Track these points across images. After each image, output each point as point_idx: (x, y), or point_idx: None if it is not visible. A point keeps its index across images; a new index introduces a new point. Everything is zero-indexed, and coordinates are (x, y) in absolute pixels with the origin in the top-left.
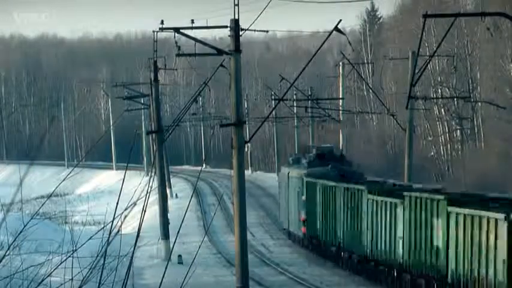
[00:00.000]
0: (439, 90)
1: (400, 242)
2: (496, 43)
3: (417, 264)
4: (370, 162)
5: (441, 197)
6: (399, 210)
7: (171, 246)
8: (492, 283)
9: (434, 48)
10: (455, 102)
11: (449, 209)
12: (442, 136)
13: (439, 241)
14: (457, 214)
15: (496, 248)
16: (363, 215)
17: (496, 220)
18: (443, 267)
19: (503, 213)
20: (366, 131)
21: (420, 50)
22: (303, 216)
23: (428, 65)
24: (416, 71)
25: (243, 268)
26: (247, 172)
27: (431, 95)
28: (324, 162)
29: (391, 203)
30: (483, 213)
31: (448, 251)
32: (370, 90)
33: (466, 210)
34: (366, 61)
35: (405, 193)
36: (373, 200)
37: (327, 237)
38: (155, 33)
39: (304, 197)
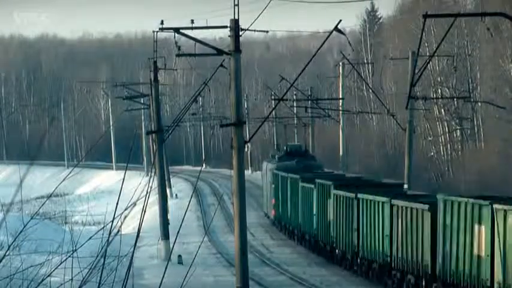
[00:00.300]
0: (439, 90)
1: (314, 218)
2: (496, 43)
3: (322, 234)
4: (370, 162)
5: (329, 182)
6: (314, 194)
7: (171, 246)
8: (355, 245)
9: (434, 48)
10: (455, 102)
11: (334, 191)
12: (442, 136)
13: (330, 217)
14: (337, 196)
15: (352, 219)
16: (299, 199)
17: (352, 199)
18: (333, 237)
19: (353, 193)
20: (366, 131)
21: (420, 50)
22: (273, 201)
23: (428, 65)
24: (416, 71)
25: (243, 268)
26: (247, 172)
27: (431, 95)
28: (291, 158)
29: (309, 188)
30: (348, 194)
31: (333, 224)
32: (370, 90)
33: (341, 192)
34: (365, 61)
35: (316, 180)
36: (303, 186)
37: (283, 217)
38: (155, 33)
39: (273, 186)
